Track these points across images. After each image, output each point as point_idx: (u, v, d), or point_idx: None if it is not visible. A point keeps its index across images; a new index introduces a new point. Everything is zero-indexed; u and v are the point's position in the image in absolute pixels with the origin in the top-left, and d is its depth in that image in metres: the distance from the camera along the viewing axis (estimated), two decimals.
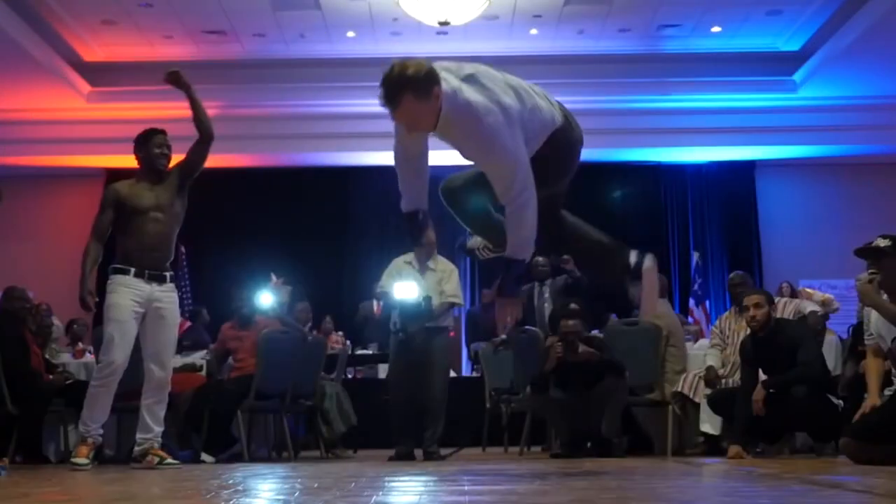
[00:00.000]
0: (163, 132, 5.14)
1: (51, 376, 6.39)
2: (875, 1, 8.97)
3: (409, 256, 6.50)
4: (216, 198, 11.73)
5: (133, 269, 4.90)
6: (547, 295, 7.61)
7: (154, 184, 5.05)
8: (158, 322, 4.96)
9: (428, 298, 6.15)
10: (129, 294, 4.86)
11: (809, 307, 6.70)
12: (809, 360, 5.39)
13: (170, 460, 4.92)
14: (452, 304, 6.39)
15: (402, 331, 6.18)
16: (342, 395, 7.28)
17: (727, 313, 6.76)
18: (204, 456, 6.06)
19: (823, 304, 6.96)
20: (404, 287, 6.24)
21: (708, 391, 6.08)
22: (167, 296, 5.01)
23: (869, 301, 4.74)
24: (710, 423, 6.04)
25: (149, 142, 5.10)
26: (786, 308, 6.61)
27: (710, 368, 6.19)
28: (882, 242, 4.62)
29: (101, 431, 4.91)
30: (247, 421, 6.52)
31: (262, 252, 11.11)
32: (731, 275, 7.54)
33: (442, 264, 6.50)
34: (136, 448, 4.92)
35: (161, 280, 4.99)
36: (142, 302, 4.90)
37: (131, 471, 4.70)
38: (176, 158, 5.16)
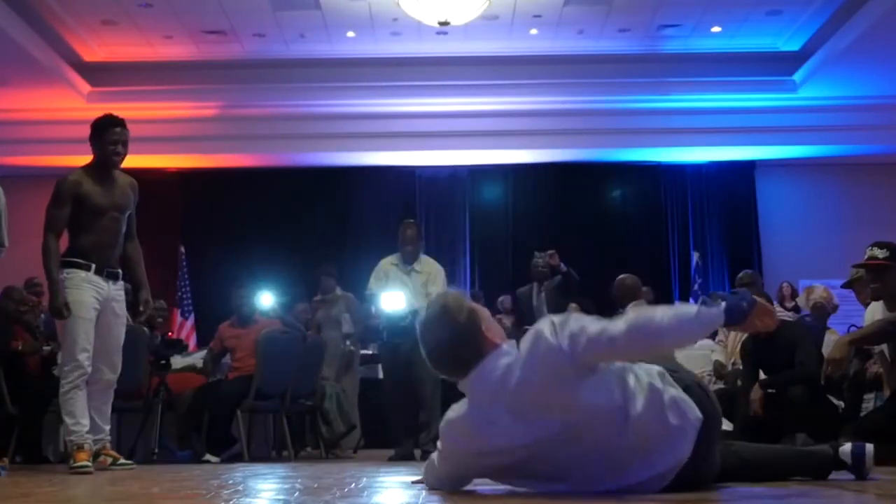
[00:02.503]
0: (121, 124, 4.90)
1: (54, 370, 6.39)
2: (875, 1, 8.96)
3: (395, 258, 6.52)
4: (216, 198, 11.78)
5: (94, 266, 4.76)
6: (542, 295, 7.62)
7: (108, 184, 4.89)
8: (113, 321, 4.84)
9: (414, 313, 6.20)
10: (91, 291, 4.73)
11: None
12: (806, 361, 5.40)
13: (122, 461, 4.83)
14: None
15: (389, 342, 6.28)
16: (342, 395, 7.29)
17: None
18: (208, 456, 6.06)
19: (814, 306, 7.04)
20: (391, 297, 6.27)
21: (716, 386, 6.14)
22: (120, 294, 4.91)
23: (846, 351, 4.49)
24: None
25: (104, 135, 4.87)
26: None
27: (716, 362, 6.29)
28: (880, 254, 4.60)
29: (99, 436, 4.77)
30: (247, 421, 6.53)
31: (262, 252, 11.13)
32: (741, 273, 7.55)
33: (428, 266, 6.50)
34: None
35: (116, 278, 4.88)
36: (101, 300, 4.77)
37: (131, 471, 4.69)
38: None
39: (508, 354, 2.70)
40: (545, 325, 2.65)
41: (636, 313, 2.65)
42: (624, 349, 2.60)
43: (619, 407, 2.61)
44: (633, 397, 2.63)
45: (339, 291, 8.14)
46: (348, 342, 8.06)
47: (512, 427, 2.62)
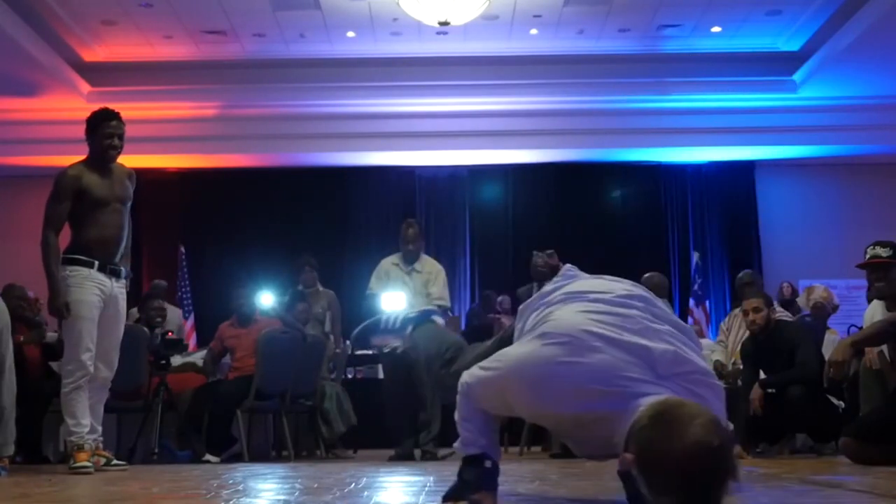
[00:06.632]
0: (116, 117, 4.83)
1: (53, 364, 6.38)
2: (875, 1, 8.96)
3: (396, 258, 6.52)
4: (216, 198, 11.78)
5: (97, 263, 4.68)
6: None
7: (107, 176, 4.80)
8: (114, 319, 4.77)
9: (407, 318, 6.24)
10: (93, 289, 4.65)
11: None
12: (806, 361, 5.40)
13: (115, 461, 4.80)
14: (438, 307, 6.40)
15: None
16: (342, 395, 7.29)
17: (735, 311, 6.76)
18: (208, 456, 6.06)
19: (814, 306, 7.03)
20: (392, 298, 6.29)
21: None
22: (122, 292, 4.84)
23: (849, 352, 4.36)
24: None
25: (99, 128, 4.80)
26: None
27: (716, 362, 6.29)
28: (883, 252, 4.60)
29: (93, 436, 4.71)
30: (247, 421, 6.53)
31: (262, 252, 11.13)
32: (741, 273, 7.54)
33: (428, 266, 6.50)
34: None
35: (118, 275, 4.80)
36: (104, 298, 4.70)
37: (126, 471, 4.69)
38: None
39: None
40: None
41: None
42: None
43: None
44: None
45: (320, 287, 8.09)
46: (347, 342, 8.05)
47: None
